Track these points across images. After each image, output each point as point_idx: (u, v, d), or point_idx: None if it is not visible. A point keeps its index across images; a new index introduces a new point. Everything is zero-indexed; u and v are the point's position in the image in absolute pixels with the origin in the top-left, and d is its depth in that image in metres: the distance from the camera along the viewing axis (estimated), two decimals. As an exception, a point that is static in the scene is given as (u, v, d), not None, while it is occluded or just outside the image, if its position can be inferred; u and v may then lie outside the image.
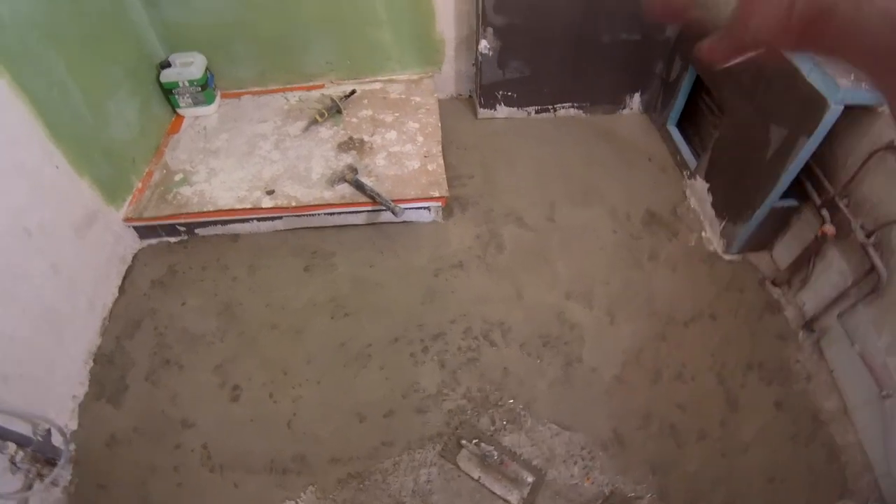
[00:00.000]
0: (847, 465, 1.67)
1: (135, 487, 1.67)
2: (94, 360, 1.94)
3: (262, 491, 1.65)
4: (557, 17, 2.46)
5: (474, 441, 1.67)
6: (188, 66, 2.49)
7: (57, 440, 1.64)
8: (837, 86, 1.57)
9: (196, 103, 2.60)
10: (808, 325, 1.93)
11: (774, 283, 2.09)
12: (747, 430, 1.74)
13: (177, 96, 2.56)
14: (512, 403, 1.79)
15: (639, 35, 2.55)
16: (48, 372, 1.74)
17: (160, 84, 2.52)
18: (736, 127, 2.12)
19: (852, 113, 1.63)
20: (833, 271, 1.86)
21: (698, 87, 2.53)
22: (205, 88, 2.56)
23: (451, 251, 2.24)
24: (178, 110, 2.64)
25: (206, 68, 2.58)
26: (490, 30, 2.48)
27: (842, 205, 1.78)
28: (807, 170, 1.86)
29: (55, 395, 1.76)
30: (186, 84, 2.51)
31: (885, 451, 1.60)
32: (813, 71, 1.66)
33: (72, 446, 1.71)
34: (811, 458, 1.69)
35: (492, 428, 1.74)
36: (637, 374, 1.87)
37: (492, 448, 1.64)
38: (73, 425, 1.78)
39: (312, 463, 1.69)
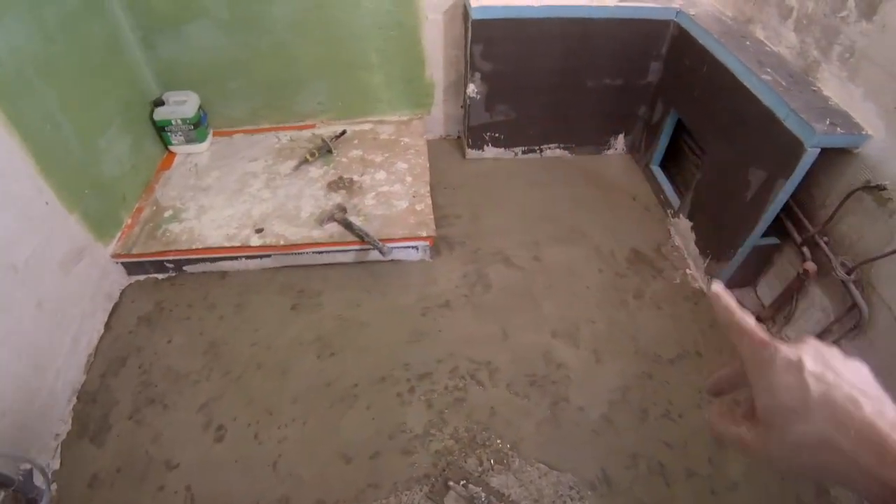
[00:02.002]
0: (836, 500, 1.67)
1: (115, 531, 1.63)
2: (78, 398, 1.90)
3: (244, 535, 1.62)
4: (541, 65, 2.55)
5: (462, 482, 1.66)
6: (181, 105, 2.53)
7: (38, 480, 1.60)
8: (813, 130, 1.62)
9: (188, 141, 2.63)
10: (793, 362, 1.94)
11: (759, 320, 2.10)
12: (735, 468, 1.73)
13: (169, 134, 2.59)
14: (499, 444, 1.78)
15: (621, 80, 2.63)
16: (31, 410, 1.70)
17: (153, 121, 2.55)
18: (717, 168, 2.18)
19: (829, 155, 1.69)
20: (816, 308, 1.89)
21: (680, 129, 2.60)
22: (197, 127, 2.59)
23: (438, 290, 2.25)
24: (171, 147, 2.66)
25: (200, 107, 2.62)
26: (478, 75, 2.55)
27: (822, 243, 1.82)
28: (787, 209, 1.91)
29: (38, 434, 1.72)
30: (179, 122, 2.54)
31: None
32: (789, 116, 1.72)
33: (53, 487, 1.67)
34: (800, 494, 1.68)
35: (479, 469, 1.72)
36: (624, 413, 1.87)
37: (479, 489, 1.63)
38: (55, 465, 1.74)
39: (297, 505, 1.66)
